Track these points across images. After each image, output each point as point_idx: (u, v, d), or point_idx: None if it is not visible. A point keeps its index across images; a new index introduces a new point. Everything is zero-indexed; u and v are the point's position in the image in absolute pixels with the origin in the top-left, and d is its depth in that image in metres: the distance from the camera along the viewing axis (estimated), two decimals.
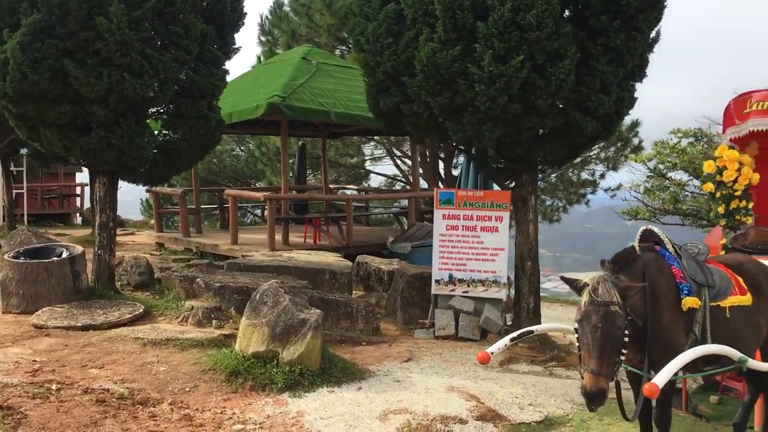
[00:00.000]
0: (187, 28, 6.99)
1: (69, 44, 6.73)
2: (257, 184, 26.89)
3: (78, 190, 24.38)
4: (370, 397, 5.11)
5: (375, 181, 24.23)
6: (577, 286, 3.55)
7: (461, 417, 4.78)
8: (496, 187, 8.89)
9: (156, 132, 7.66)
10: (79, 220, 24.16)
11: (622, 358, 3.44)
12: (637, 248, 3.96)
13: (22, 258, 7.53)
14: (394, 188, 20.99)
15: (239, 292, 7.07)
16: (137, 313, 7.03)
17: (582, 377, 3.38)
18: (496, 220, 7.31)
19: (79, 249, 7.82)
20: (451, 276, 7.45)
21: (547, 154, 6.88)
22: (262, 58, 18.97)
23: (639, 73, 7.05)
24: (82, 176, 26.96)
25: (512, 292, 7.74)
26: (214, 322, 6.84)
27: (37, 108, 6.94)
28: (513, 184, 7.45)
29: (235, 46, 7.93)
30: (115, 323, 6.71)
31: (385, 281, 9.09)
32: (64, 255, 7.77)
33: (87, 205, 24.11)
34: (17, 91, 6.67)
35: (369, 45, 6.85)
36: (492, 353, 3.98)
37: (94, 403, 4.70)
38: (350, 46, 18.57)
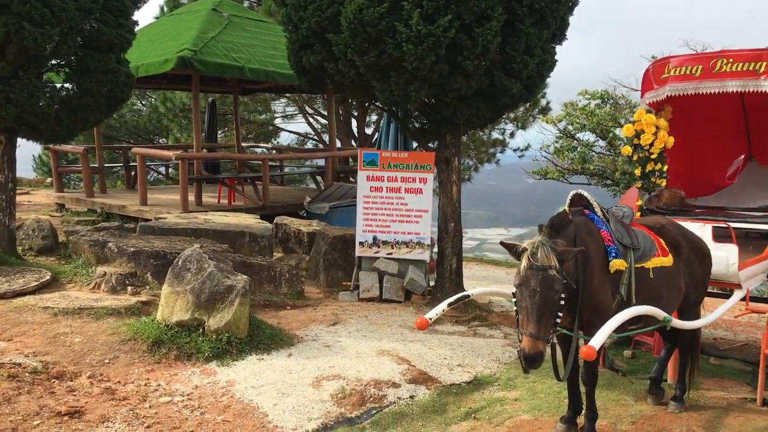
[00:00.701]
0: None
1: None
2: (161, 141, 25.83)
3: None
4: (301, 363, 5.04)
5: (285, 139, 23.81)
6: (516, 251, 3.57)
7: (394, 381, 4.79)
8: (417, 148, 8.87)
9: (58, 86, 7.10)
10: None
11: (559, 321, 3.52)
12: (568, 212, 4.04)
13: None
14: (307, 147, 20.67)
15: (156, 256, 6.76)
16: (44, 280, 6.60)
17: (520, 340, 3.43)
18: (421, 182, 7.30)
19: None
20: (375, 238, 7.42)
21: (472, 116, 6.89)
22: (165, 8, 18.00)
23: (560, 36, 7.14)
24: None
25: (434, 253, 7.81)
26: (129, 288, 6.53)
27: None
28: (437, 145, 7.44)
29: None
30: (20, 291, 6.28)
31: (305, 243, 8.96)
32: None
33: None
34: None
35: None
36: (430, 319, 3.97)
37: (5, 379, 4.38)
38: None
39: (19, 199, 15.88)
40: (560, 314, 3.50)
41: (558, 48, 7.20)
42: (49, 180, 22.59)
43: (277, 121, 21.68)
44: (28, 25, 6.21)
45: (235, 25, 11.66)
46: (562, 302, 3.47)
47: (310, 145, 22.20)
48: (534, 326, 3.38)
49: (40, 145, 8.65)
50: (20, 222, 8.27)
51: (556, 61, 7.20)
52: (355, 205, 11.39)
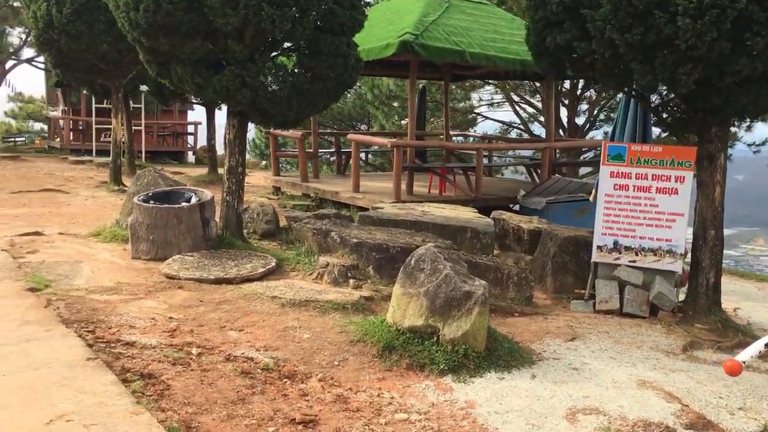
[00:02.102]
0: None
1: None
2: (362, 128, 26.29)
3: (191, 128, 24.60)
4: (548, 388, 4.36)
5: (487, 127, 23.12)
6: None
7: (667, 424, 3.95)
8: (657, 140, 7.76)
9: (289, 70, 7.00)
10: (191, 158, 24.47)
11: None
12: None
13: (152, 202, 7.18)
14: (510, 136, 19.81)
15: (377, 249, 6.43)
16: (270, 267, 6.54)
17: None
18: (677, 181, 6.26)
19: (208, 194, 7.39)
20: (616, 242, 6.51)
21: (750, 104, 5.73)
22: None
23: None
24: (194, 114, 27.29)
25: (686, 263, 6.72)
26: (351, 281, 6.26)
27: (170, 42, 6.41)
28: (697, 139, 6.35)
29: None
30: (247, 277, 6.26)
31: (525, 241, 8.25)
32: (193, 200, 7.38)
33: (200, 143, 24.35)
34: (150, 22, 6.14)
35: None
36: (744, 363, 3.11)
37: (238, 375, 4.19)
38: None
39: None
40: None
41: None
42: (263, 163, 23.95)
43: (482, 109, 21.04)
44: (267, 7, 6.10)
45: (455, 8, 11.16)
46: None
47: (513, 134, 21.33)
48: None
49: (264, 129, 8.71)
50: (245, 205, 8.42)
51: None
52: (576, 201, 10.56)
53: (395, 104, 21.68)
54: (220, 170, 16.92)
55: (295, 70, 7.04)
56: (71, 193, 11.80)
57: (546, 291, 7.09)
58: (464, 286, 4.69)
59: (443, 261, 4.88)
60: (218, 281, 6.13)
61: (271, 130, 12.28)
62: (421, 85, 15.14)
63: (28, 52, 25.13)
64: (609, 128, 20.03)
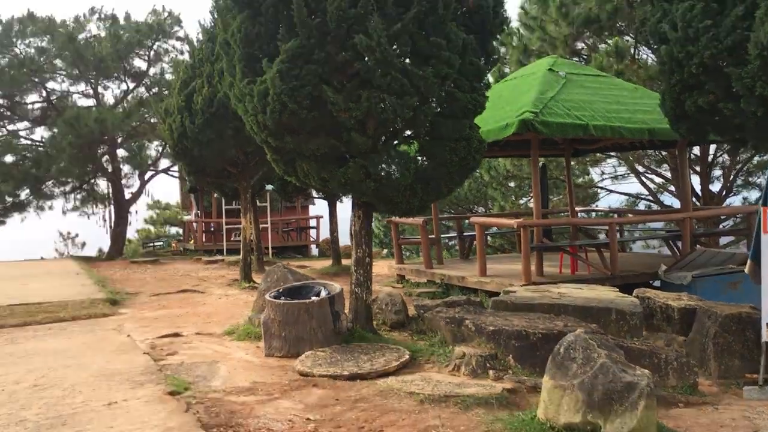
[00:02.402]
0: (449, 39, 6.21)
1: (326, 69, 6.25)
2: (479, 210, 26.02)
3: (313, 222, 25.33)
4: None
5: (608, 202, 22.15)
6: None
7: None
8: None
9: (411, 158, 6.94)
10: (315, 251, 25.08)
11: None
12: None
13: (283, 298, 7.20)
14: (645, 208, 18.85)
15: (517, 337, 6.03)
16: (403, 360, 6.28)
17: None
18: None
19: (336, 287, 7.33)
20: None
21: None
22: (490, 77, 18.15)
23: None
24: (315, 209, 28.16)
25: None
26: (490, 372, 5.88)
27: (295, 140, 6.56)
28: None
29: (495, 56, 7.02)
30: (382, 372, 6.01)
31: (675, 320, 7.52)
32: (323, 293, 7.34)
33: (323, 236, 24.97)
34: (277, 122, 6.32)
35: (676, 33, 5.52)
36: None
37: None
38: (585, 58, 17.12)
39: None
40: None
41: None
42: (384, 251, 24.12)
43: (604, 183, 20.28)
44: (389, 98, 6.13)
45: (573, 83, 10.91)
46: None
47: (641, 206, 20.31)
48: None
49: (387, 218, 8.67)
50: (373, 296, 8.29)
51: None
52: (727, 273, 9.67)
53: (512, 184, 21.37)
54: (345, 261, 17.17)
55: (418, 157, 6.98)
56: (206, 293, 12.20)
57: (710, 376, 6.35)
58: (624, 375, 4.21)
59: (596, 348, 4.44)
60: (352, 377, 5.93)
61: (391, 218, 12.30)
62: (541, 162, 14.80)
63: (163, 163, 27.19)
64: (749, 193, 18.68)
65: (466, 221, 14.89)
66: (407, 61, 6.22)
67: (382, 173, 6.53)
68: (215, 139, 11.95)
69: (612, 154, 17.94)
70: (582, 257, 10.59)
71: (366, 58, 6.09)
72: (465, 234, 13.71)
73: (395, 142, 6.62)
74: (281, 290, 7.46)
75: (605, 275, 10.07)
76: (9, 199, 24.10)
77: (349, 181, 6.64)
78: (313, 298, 7.26)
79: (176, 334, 8.24)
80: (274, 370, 6.43)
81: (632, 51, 15.25)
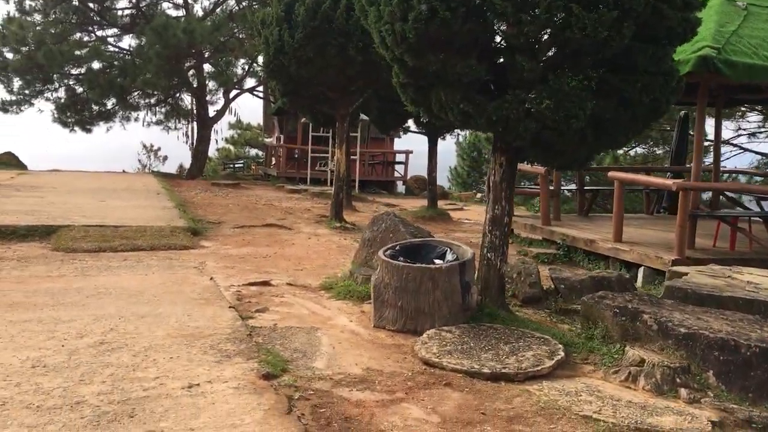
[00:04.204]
0: None
1: None
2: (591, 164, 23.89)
3: (400, 157, 23.84)
4: None
5: (733, 162, 19.68)
6: None
7: None
8: None
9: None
10: (401, 188, 23.70)
11: None
12: None
13: (401, 258, 5.82)
14: None
15: (722, 348, 4.48)
16: (558, 358, 4.82)
17: None
18: None
19: (467, 250, 5.88)
20: None
21: None
22: None
23: None
24: (400, 142, 26.59)
25: None
26: (681, 391, 4.38)
27: (441, 60, 5.01)
28: None
29: None
30: (533, 373, 4.60)
31: None
32: (448, 256, 5.92)
33: (411, 173, 23.53)
34: (420, 34, 4.78)
35: None
36: None
37: None
38: None
39: (456, 215, 15.42)
40: None
41: None
42: (478, 195, 22.51)
43: (740, 140, 17.88)
44: (578, 8, 4.47)
45: (756, 17, 8.85)
46: None
47: None
48: None
49: (550, 169, 7.10)
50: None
51: None
52: None
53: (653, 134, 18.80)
54: (441, 204, 15.75)
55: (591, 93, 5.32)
56: (293, 230, 11.02)
57: None
58: None
59: None
60: (495, 377, 4.54)
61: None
62: (683, 112, 12.74)
63: (249, 82, 26.03)
64: None
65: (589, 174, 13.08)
66: None
67: (548, 112, 4.93)
68: (316, 56, 10.50)
69: (757, 108, 15.58)
70: (745, 230, 8.75)
71: None
72: (586, 188, 11.96)
73: (578, 72, 4.96)
74: (398, 248, 6.07)
75: None
76: (95, 108, 23.57)
77: (503, 118, 5.08)
78: (437, 261, 5.86)
79: (265, 283, 7.04)
80: (390, 351, 5.11)
81: None
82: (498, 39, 5.04)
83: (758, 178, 16.19)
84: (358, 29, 10.48)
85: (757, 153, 17.67)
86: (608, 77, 5.06)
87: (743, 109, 16.72)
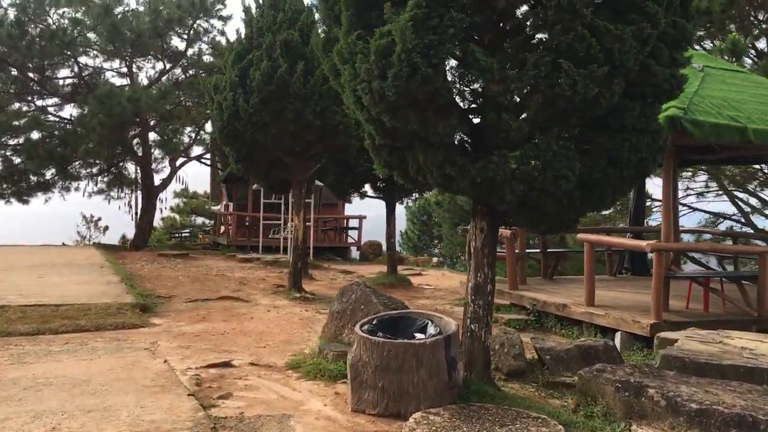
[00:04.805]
0: None
1: (477, 20, 4.40)
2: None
3: (354, 222, 23.48)
4: None
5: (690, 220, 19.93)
6: None
7: None
8: None
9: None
10: (355, 254, 23.22)
11: None
12: None
13: (380, 334, 5.34)
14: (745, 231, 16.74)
15: (738, 424, 4.13)
16: None
17: None
18: None
19: (451, 323, 5.44)
20: None
21: None
22: None
23: None
24: (351, 207, 26.28)
25: None
26: None
27: (422, 119, 4.69)
28: None
29: (694, 21, 5.11)
30: None
31: None
32: (430, 330, 5.47)
33: (365, 239, 23.11)
34: (401, 92, 4.46)
35: None
36: None
37: None
38: None
39: (415, 280, 15.00)
40: None
41: None
42: (434, 260, 22.21)
43: (689, 200, 18.19)
44: (567, 64, 4.24)
45: (713, 78, 8.97)
46: None
47: (723, 227, 18.19)
48: None
49: (536, 234, 6.80)
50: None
51: None
52: None
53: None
54: (399, 269, 15.32)
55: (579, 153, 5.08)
56: (250, 302, 10.40)
57: None
58: None
59: None
60: None
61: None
62: None
63: (196, 150, 25.51)
64: None
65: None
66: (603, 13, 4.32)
67: (535, 172, 4.64)
68: (272, 121, 10.17)
69: (702, 169, 15.91)
70: (718, 291, 8.60)
71: (537, 5, 4.21)
72: (549, 250, 11.77)
73: (564, 130, 4.71)
74: (375, 321, 5.60)
75: (750, 316, 8.11)
76: (33, 178, 22.57)
77: (488, 180, 4.76)
78: (419, 335, 5.41)
79: (226, 363, 6.43)
80: None
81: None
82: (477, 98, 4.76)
83: (708, 236, 16.42)
84: (316, 93, 10.26)
85: (706, 212, 18.01)
86: (596, 136, 4.84)
87: (690, 170, 17.08)
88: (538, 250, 11.75)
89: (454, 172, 4.93)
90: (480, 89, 4.63)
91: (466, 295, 5.73)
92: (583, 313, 8.54)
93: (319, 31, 10.83)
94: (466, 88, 4.67)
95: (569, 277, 12.24)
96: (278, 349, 7.24)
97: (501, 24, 4.58)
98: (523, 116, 4.61)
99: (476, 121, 5.16)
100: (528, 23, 4.37)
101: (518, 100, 4.47)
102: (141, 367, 6.18)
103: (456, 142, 4.99)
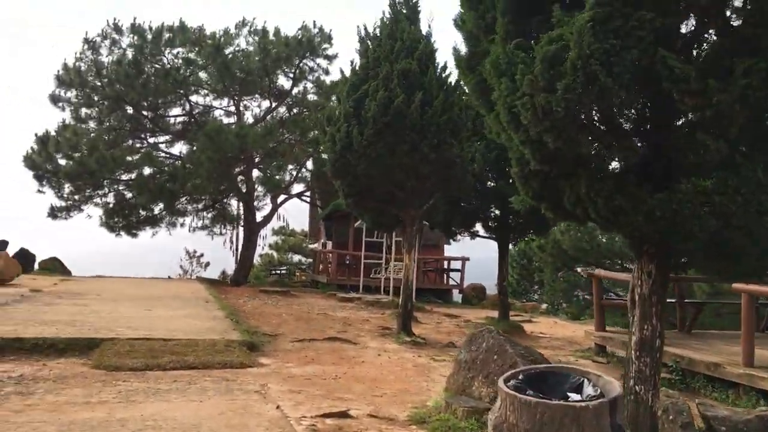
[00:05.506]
0: None
1: (668, 21, 3.67)
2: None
3: (456, 264, 22.68)
4: None
5: None
6: None
7: None
8: None
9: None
10: (457, 296, 22.38)
11: None
12: None
13: (529, 392, 4.57)
14: None
15: None
16: None
17: None
18: None
19: (614, 383, 4.59)
20: None
21: None
22: None
23: None
24: (449, 249, 25.50)
25: None
26: None
27: (572, 140, 3.98)
28: None
29: None
30: None
31: None
32: (587, 389, 4.64)
33: (468, 281, 22.27)
34: (572, 107, 3.76)
35: None
36: None
37: None
38: None
39: (528, 328, 13.98)
40: None
41: None
42: (543, 306, 21.06)
43: None
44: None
45: None
46: None
47: None
48: None
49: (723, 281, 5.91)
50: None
51: None
52: None
53: None
54: (512, 316, 14.42)
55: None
56: (358, 344, 9.81)
57: None
58: None
59: None
60: None
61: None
62: None
63: (297, 187, 25.59)
64: None
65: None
66: None
67: (734, 206, 3.82)
68: (386, 154, 9.67)
69: None
70: None
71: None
72: (688, 300, 10.60)
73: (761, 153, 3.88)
74: (521, 377, 4.83)
75: None
76: (143, 213, 23.18)
77: (672, 213, 3.96)
78: (573, 396, 4.59)
79: (343, 414, 5.79)
80: None
81: None
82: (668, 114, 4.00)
83: None
84: (433, 125, 9.73)
85: None
86: None
87: None
88: (673, 300, 10.60)
89: (625, 204, 4.17)
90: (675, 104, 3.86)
91: (628, 350, 4.87)
92: (742, 374, 7.40)
93: (437, 60, 10.37)
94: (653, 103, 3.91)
95: (710, 331, 10.95)
96: (396, 399, 6.56)
97: (693, 29, 3.84)
98: (725, 136, 3.80)
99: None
100: (739, 23, 3.60)
101: (722, 115, 3.66)
102: (253, 413, 5.65)
103: (630, 169, 4.22)
